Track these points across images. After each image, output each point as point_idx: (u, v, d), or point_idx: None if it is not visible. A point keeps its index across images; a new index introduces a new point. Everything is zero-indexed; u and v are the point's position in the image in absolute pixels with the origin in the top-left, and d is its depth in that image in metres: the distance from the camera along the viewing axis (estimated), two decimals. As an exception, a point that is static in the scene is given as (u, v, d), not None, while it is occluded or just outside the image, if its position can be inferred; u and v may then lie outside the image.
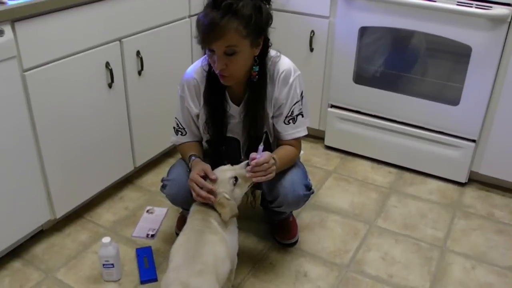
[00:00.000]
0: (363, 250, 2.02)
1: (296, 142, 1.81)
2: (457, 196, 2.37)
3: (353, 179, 2.50)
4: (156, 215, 2.20)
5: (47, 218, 2.00)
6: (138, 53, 2.15)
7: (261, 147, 1.61)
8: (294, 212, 2.16)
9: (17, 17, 1.65)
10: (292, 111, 1.74)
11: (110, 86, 2.07)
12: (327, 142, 2.74)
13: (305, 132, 1.81)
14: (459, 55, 2.24)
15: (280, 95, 1.72)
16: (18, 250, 1.98)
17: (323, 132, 2.73)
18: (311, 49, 2.54)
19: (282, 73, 1.69)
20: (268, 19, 1.58)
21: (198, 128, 1.85)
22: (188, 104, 1.78)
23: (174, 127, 1.88)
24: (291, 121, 1.76)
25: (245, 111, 1.73)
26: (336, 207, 2.28)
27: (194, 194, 1.62)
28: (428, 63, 2.46)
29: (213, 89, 1.71)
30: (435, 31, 2.20)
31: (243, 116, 1.74)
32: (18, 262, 1.94)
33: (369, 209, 2.27)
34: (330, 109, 2.63)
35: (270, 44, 1.68)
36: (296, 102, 1.74)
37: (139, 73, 2.19)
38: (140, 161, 2.39)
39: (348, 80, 2.50)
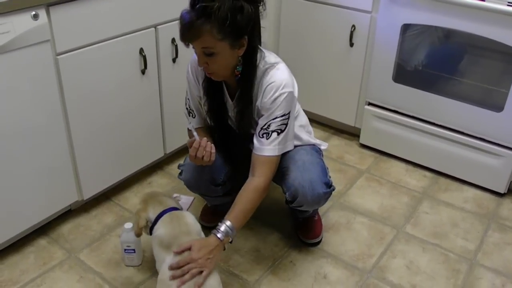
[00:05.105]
0: (387, 256, 1.96)
1: (263, 162, 1.64)
2: (493, 207, 2.26)
3: (385, 180, 2.42)
4: (182, 203, 2.19)
5: (75, 199, 2.04)
6: (173, 40, 2.14)
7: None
8: (321, 211, 2.13)
9: (52, 1, 1.67)
10: (269, 125, 1.62)
11: (143, 72, 2.08)
12: (362, 140, 2.66)
13: (274, 153, 1.64)
14: (507, 58, 2.11)
15: (261, 105, 1.63)
16: (46, 228, 2.04)
17: (359, 129, 2.66)
18: (351, 44, 2.46)
19: (270, 84, 1.59)
20: (249, 21, 1.49)
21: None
22: (193, 86, 1.78)
23: (186, 108, 1.87)
24: (264, 135, 1.64)
25: (237, 107, 1.70)
26: (365, 208, 2.22)
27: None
28: (472, 65, 2.34)
29: (211, 81, 1.68)
30: (482, 32, 2.09)
31: (235, 112, 1.72)
32: (44, 240, 2.00)
33: (399, 214, 2.20)
34: (367, 107, 2.56)
35: (257, 44, 1.61)
36: (275, 118, 1.61)
37: (174, 60, 2.19)
38: (170, 148, 2.40)
39: (387, 78, 2.42)
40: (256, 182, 1.63)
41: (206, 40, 1.47)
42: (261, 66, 1.62)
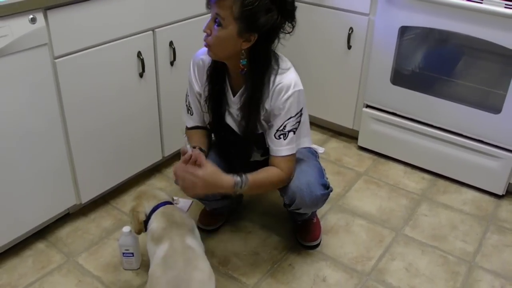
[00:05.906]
0: (386, 259, 1.96)
1: (284, 161, 1.68)
2: (492, 209, 2.26)
3: (384, 183, 2.42)
4: (180, 207, 2.21)
5: (73, 202, 2.04)
6: (171, 43, 2.14)
7: None
8: (319, 213, 2.13)
9: (50, 5, 1.66)
10: (285, 126, 1.65)
11: (141, 75, 2.08)
12: (361, 142, 2.66)
13: (292, 151, 1.68)
14: (505, 60, 2.12)
15: (272, 107, 1.64)
16: (44, 232, 2.03)
17: (357, 132, 2.66)
18: (349, 47, 2.46)
19: (278, 84, 1.61)
20: (267, 24, 1.50)
21: (202, 110, 1.83)
22: (192, 82, 1.78)
23: (186, 105, 1.86)
24: (281, 136, 1.66)
25: (240, 103, 1.69)
26: (363, 211, 2.22)
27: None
28: (470, 67, 2.35)
29: (216, 69, 1.70)
30: (480, 34, 2.09)
31: (238, 109, 1.71)
32: (43, 243, 1.99)
33: (398, 216, 2.20)
34: (365, 109, 2.56)
35: (269, 51, 1.62)
36: (290, 118, 1.64)
37: (172, 63, 2.19)
38: (169, 151, 2.39)
39: (385, 80, 2.42)
40: (281, 173, 1.68)
41: (225, 7, 1.48)
42: (271, 69, 1.63)
